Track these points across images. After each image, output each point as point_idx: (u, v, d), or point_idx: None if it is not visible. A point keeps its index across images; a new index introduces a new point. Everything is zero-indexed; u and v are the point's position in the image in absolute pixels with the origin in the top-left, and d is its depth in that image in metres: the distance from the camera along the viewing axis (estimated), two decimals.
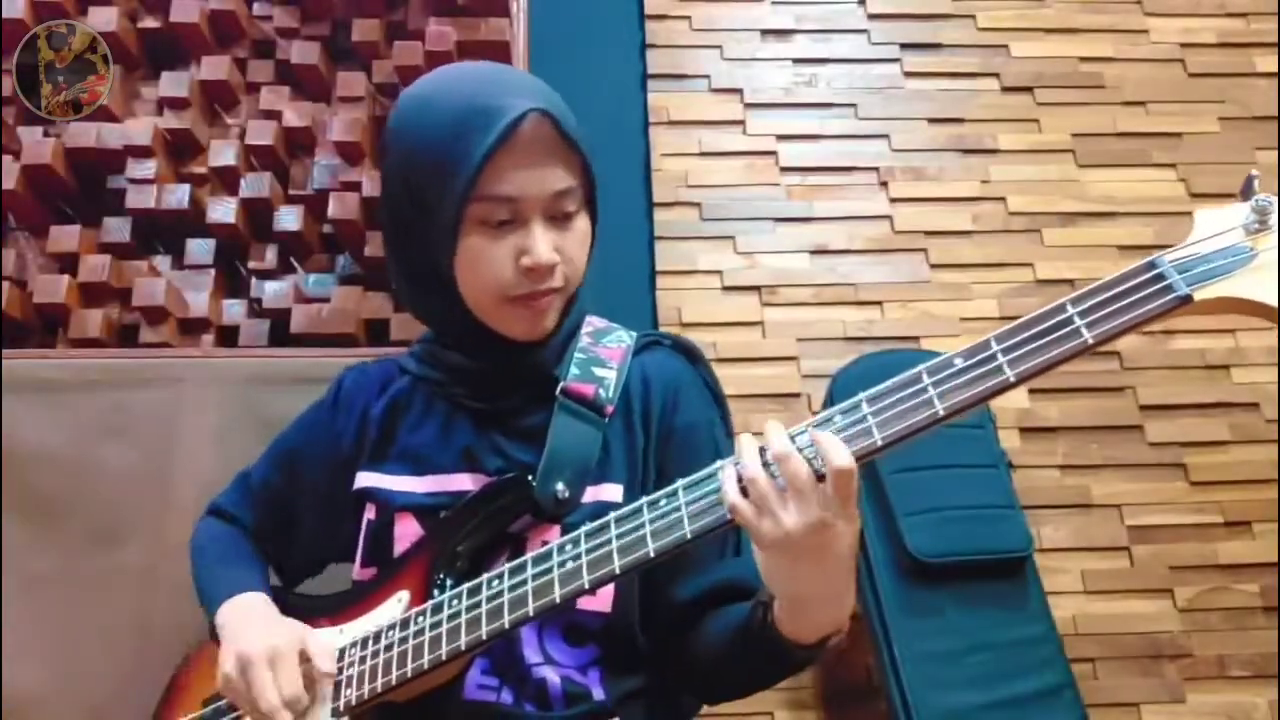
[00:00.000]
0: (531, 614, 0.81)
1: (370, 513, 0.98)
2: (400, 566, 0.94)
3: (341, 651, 0.92)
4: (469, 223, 0.88)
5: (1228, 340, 2.14)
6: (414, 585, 0.92)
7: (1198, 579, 1.99)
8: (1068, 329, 0.69)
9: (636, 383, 0.99)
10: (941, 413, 0.70)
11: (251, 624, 0.93)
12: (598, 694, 0.91)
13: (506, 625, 0.82)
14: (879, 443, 0.71)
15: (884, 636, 1.66)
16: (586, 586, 0.79)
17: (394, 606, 0.92)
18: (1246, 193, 0.68)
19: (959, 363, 0.71)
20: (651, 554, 0.77)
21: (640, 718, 0.94)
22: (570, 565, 0.81)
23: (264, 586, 1.02)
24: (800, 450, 0.72)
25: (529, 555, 0.84)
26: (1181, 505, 2.03)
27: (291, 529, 1.08)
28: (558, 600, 0.80)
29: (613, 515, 0.81)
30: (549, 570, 0.82)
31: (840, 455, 0.70)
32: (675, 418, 0.98)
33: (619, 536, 0.80)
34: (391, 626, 0.89)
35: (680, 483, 0.79)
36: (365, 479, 0.99)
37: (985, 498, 1.78)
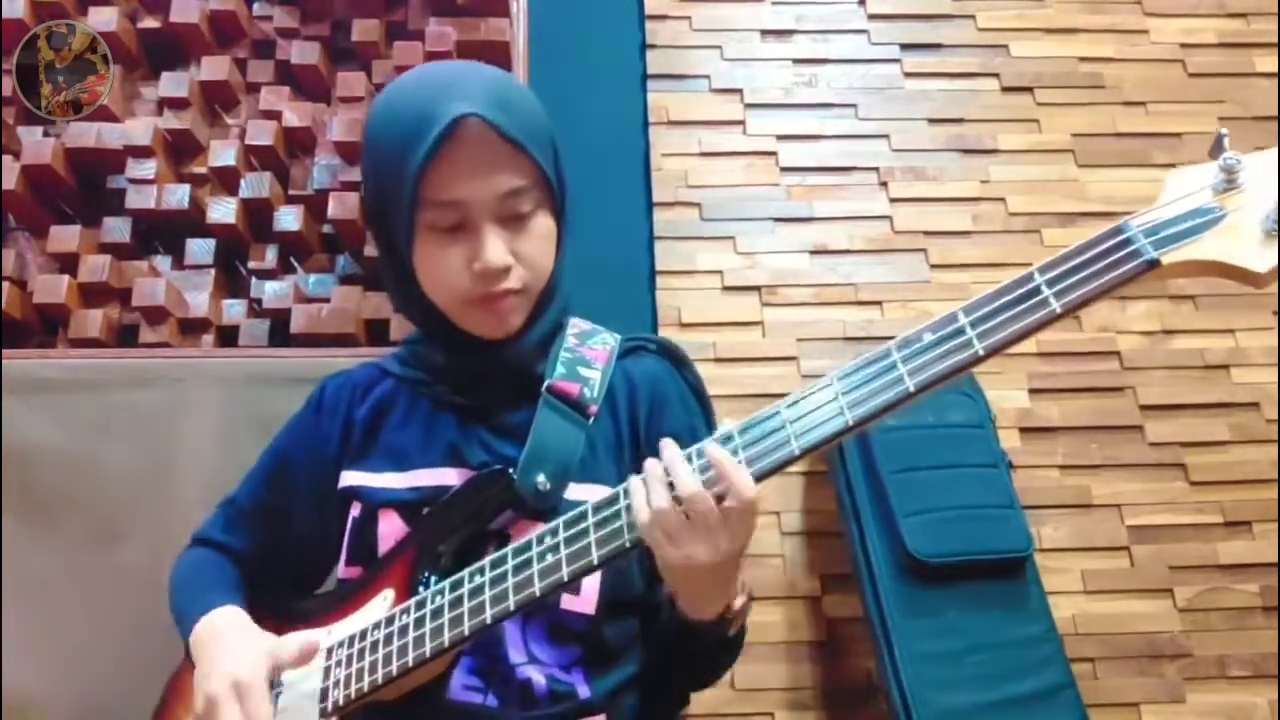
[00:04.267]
0: (512, 608, 0.81)
1: (355, 511, 0.98)
2: (385, 565, 0.94)
3: (328, 651, 0.91)
4: (420, 229, 0.89)
5: (1228, 340, 2.14)
6: (398, 583, 0.92)
7: (1198, 579, 1.99)
8: (1036, 299, 0.68)
9: (622, 386, 1.00)
10: (912, 389, 0.70)
11: (216, 651, 0.90)
12: (583, 692, 0.91)
13: (489, 620, 0.81)
14: (850, 422, 0.72)
15: (884, 636, 1.66)
16: (565, 579, 0.79)
17: (379, 605, 0.92)
18: (1216, 152, 0.67)
19: (927, 337, 0.71)
20: (627, 544, 0.78)
21: (630, 713, 0.95)
22: (550, 559, 0.80)
23: (236, 600, 0.99)
24: (703, 470, 0.75)
25: (509, 548, 0.84)
26: (1181, 505, 2.03)
27: (290, 541, 1.07)
28: (538, 594, 0.80)
29: (590, 504, 0.81)
30: (528, 563, 0.81)
31: (746, 489, 0.73)
32: (659, 426, 0.99)
33: (596, 526, 0.80)
34: (376, 625, 0.89)
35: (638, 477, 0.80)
36: (349, 478, 0.99)
37: (985, 498, 1.78)
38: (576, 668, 0.92)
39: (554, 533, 0.82)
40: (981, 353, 0.68)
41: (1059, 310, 0.67)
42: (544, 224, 0.91)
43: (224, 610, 0.97)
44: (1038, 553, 1.82)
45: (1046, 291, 0.67)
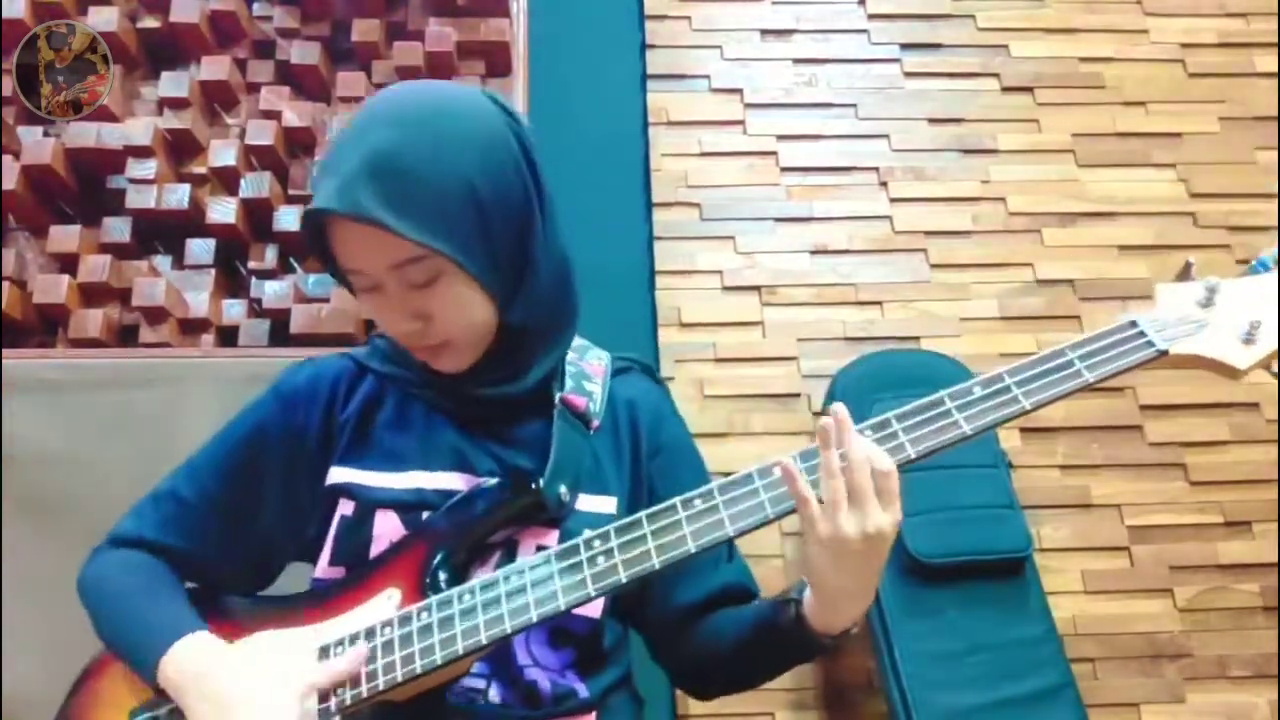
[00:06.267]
0: (563, 607, 0.81)
1: (346, 509, 0.94)
2: (384, 563, 0.91)
3: (323, 650, 0.86)
4: (354, 285, 0.91)
5: None
6: (405, 582, 0.89)
7: (1198, 579, 1.99)
8: (1070, 370, 0.84)
9: (621, 403, 1.02)
10: (969, 432, 0.82)
11: (232, 698, 0.80)
12: (582, 691, 0.93)
13: (534, 619, 0.81)
14: (912, 455, 0.81)
15: (884, 637, 1.66)
16: (624, 580, 0.81)
17: (382, 604, 0.88)
18: (1184, 276, 0.87)
19: (978, 391, 0.84)
20: (692, 549, 0.81)
21: (619, 708, 0.97)
22: (603, 562, 0.82)
23: (197, 622, 0.89)
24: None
25: (551, 551, 0.85)
26: (1181, 505, 2.03)
27: (243, 537, 0.99)
28: (592, 594, 0.81)
29: (644, 513, 0.83)
30: (578, 567, 0.82)
31: (884, 459, 0.78)
32: (661, 436, 1.02)
33: (654, 534, 0.82)
34: (387, 624, 0.86)
35: (714, 485, 0.83)
36: (340, 475, 0.95)
37: (985, 498, 1.78)
38: (570, 670, 0.93)
39: (604, 538, 0.83)
40: (1029, 407, 0.83)
41: (1092, 380, 0.83)
42: (451, 288, 0.87)
43: (196, 640, 0.86)
44: (1038, 553, 1.82)
45: (1079, 365, 0.84)
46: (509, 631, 0.81)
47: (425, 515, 0.93)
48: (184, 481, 1.00)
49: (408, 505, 0.93)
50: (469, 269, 0.86)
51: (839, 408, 0.80)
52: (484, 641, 0.82)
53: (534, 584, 0.83)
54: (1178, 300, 0.86)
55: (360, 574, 0.92)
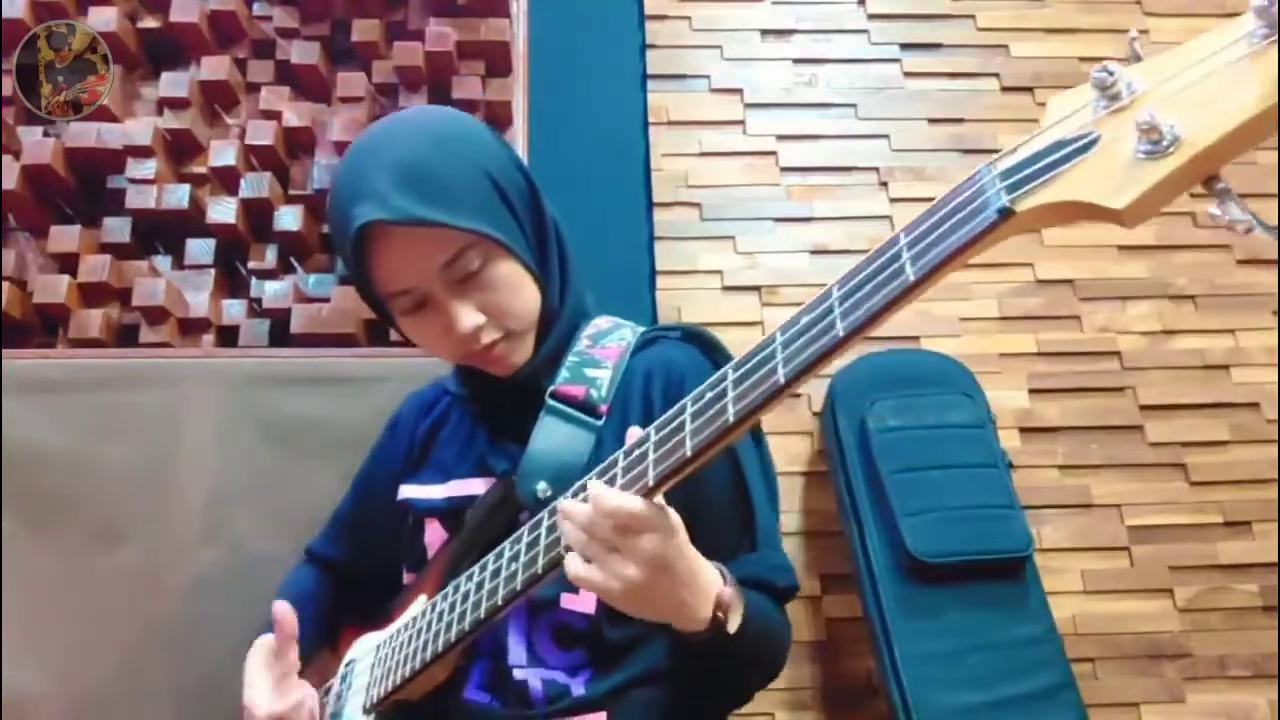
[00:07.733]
0: (483, 616, 0.83)
1: (408, 521, 1.04)
2: (427, 570, 1.00)
3: (376, 648, 0.98)
4: (394, 313, 0.94)
5: (1228, 340, 2.14)
6: (432, 587, 0.96)
7: (1198, 579, 1.99)
8: (894, 266, 0.57)
9: (637, 379, 0.99)
10: (782, 381, 0.62)
11: (256, 680, 0.97)
12: (576, 690, 0.92)
13: (467, 628, 0.85)
14: (731, 420, 0.65)
15: (884, 637, 1.66)
16: (519, 589, 0.80)
17: (417, 609, 0.97)
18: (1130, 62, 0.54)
19: (804, 320, 0.63)
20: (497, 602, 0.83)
21: (640, 706, 0.93)
22: (511, 567, 0.82)
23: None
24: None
25: (489, 555, 0.87)
26: (1181, 505, 2.03)
27: (369, 548, 1.14)
28: (500, 603, 0.81)
29: (546, 510, 0.82)
30: (498, 572, 0.84)
31: (607, 500, 0.70)
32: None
33: (548, 531, 0.80)
34: (405, 627, 0.94)
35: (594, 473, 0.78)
36: (404, 491, 1.06)
37: (985, 498, 1.78)
38: (583, 670, 0.93)
39: (516, 540, 0.83)
40: (842, 334, 0.59)
41: (913, 279, 0.56)
42: (501, 271, 0.91)
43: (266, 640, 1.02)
44: (1038, 553, 1.82)
45: (905, 256, 0.57)
46: (453, 640, 0.85)
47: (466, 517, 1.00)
48: (343, 500, 1.22)
49: (446, 513, 1.00)
50: (512, 247, 0.91)
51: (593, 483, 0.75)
52: (440, 649, 0.86)
53: (474, 589, 0.86)
54: (1066, 113, 0.54)
55: (417, 581, 1.01)
